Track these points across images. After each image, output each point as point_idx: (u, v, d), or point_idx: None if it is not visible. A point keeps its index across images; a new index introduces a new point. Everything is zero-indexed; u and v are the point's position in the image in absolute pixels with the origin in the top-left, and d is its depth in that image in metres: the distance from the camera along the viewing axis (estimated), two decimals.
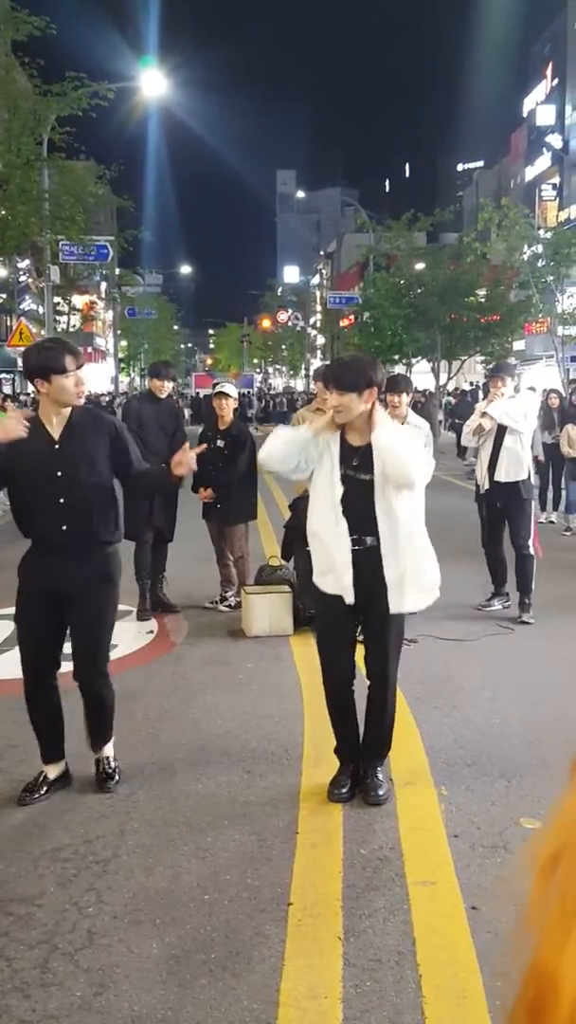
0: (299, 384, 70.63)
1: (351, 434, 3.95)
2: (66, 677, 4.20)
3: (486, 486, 7.27)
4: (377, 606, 3.95)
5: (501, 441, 7.13)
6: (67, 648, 4.16)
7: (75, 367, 3.88)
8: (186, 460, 4.12)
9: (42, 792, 4.11)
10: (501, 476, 7.13)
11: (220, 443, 7.41)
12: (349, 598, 3.91)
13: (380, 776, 4.11)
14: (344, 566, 3.90)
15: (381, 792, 4.04)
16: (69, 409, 3.99)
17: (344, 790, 4.05)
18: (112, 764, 4.23)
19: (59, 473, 3.91)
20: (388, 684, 4.07)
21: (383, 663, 4.06)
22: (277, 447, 3.99)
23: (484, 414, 7.17)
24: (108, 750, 4.27)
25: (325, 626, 4.25)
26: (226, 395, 7.54)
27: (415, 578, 3.99)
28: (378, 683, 4.09)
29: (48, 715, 4.18)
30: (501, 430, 7.13)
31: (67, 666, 4.20)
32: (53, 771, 4.19)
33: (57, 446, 3.94)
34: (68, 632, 4.14)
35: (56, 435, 3.95)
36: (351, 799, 4.04)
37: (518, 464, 7.14)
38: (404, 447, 3.87)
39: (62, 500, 3.90)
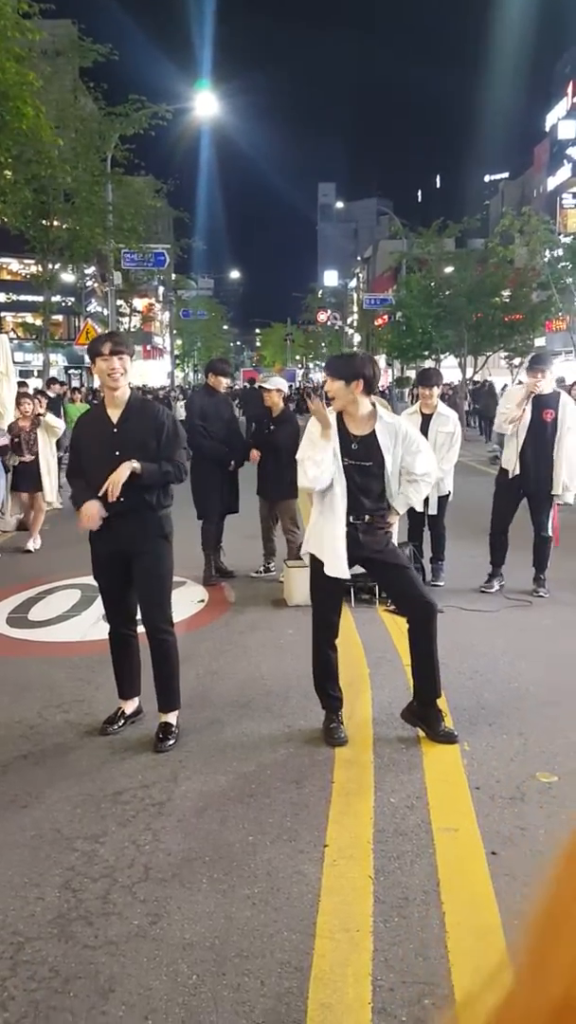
0: None
1: (352, 424, 4.09)
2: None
3: (516, 471, 6.81)
4: (383, 562, 4.14)
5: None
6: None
7: (109, 352, 3.94)
8: (113, 481, 3.93)
9: (120, 724, 4.28)
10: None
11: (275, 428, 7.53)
12: (344, 572, 4.05)
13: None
14: (338, 540, 4.03)
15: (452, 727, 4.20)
16: (126, 398, 4.09)
17: (344, 734, 4.16)
18: (173, 729, 4.19)
19: (117, 453, 3.99)
20: (432, 610, 4.11)
21: (419, 589, 4.14)
22: (318, 471, 4.00)
23: (531, 394, 6.64)
24: (172, 718, 4.24)
25: (323, 594, 4.23)
26: (278, 389, 7.70)
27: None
28: (423, 613, 4.10)
29: (126, 657, 4.35)
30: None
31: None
32: (129, 707, 4.37)
33: (116, 430, 4.04)
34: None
35: (115, 420, 4.06)
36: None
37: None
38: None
39: None
